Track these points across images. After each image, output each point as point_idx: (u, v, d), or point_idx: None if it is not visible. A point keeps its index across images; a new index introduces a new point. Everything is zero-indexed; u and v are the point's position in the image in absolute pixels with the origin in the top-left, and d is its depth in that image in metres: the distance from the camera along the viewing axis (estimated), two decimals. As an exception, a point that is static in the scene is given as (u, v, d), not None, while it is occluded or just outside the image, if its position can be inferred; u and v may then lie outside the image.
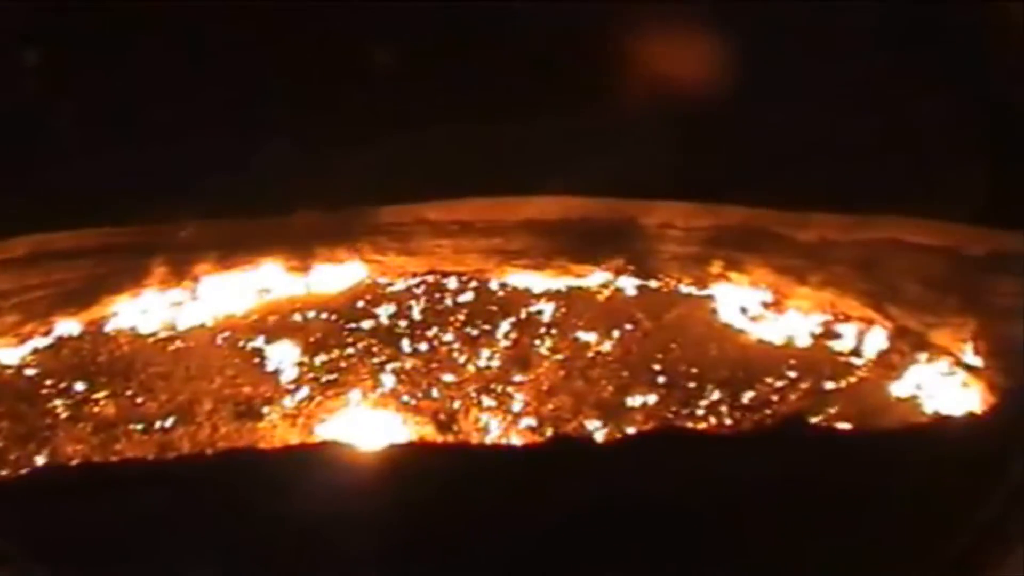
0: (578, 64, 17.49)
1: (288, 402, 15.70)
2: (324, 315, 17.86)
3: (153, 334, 17.31)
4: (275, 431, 15.10)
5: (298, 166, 16.51)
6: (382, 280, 18.77)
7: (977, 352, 15.67)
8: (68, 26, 16.71)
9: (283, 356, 16.66)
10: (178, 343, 17.11)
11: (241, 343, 17.04)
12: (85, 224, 17.17)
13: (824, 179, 16.09)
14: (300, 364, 16.56)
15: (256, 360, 16.66)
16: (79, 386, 15.89)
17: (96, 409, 15.44)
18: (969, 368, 15.73)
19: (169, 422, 15.09)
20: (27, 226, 16.62)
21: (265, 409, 15.49)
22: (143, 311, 17.69)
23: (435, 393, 16.10)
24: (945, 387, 15.77)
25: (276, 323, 17.57)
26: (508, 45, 17.73)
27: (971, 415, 14.56)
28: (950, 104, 15.48)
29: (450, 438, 15.16)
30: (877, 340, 16.81)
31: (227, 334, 17.26)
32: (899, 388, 15.90)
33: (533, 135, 17.19)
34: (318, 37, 17.42)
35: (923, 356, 16.22)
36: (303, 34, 17.31)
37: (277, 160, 16.44)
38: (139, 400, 15.57)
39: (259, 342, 17.04)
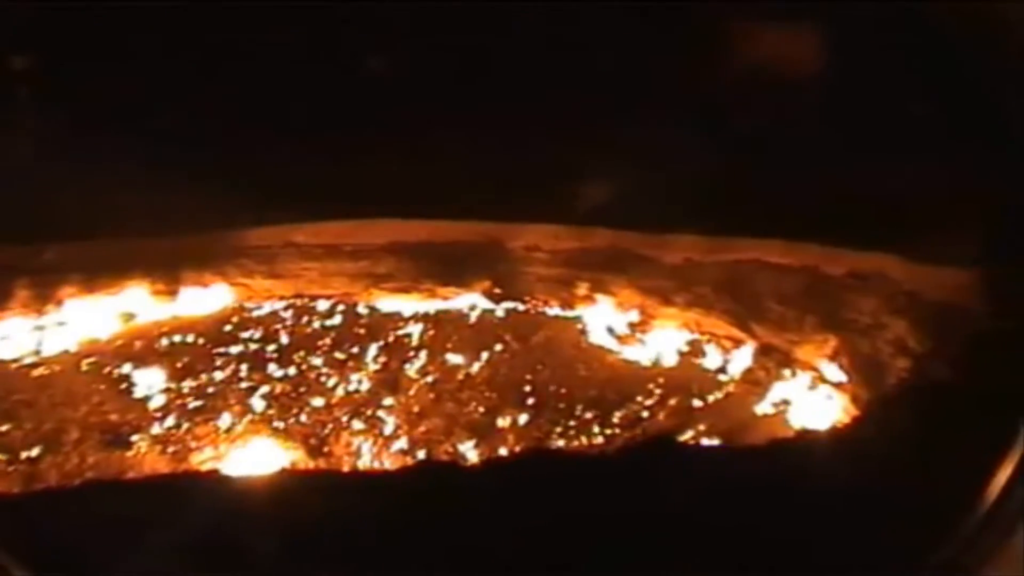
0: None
1: (157, 429, 15.57)
2: (191, 339, 17.69)
3: (16, 360, 17.02)
4: (144, 459, 14.94)
5: (164, 187, 16.17)
6: (249, 304, 18.70)
7: (839, 367, 16.02)
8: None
9: (150, 382, 16.61)
10: (42, 369, 16.82)
11: (107, 369, 16.88)
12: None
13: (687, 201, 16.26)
14: (168, 390, 16.50)
15: (123, 386, 16.55)
16: (-60, 416, 15.44)
17: (-42, 440, 15.01)
18: (832, 383, 16.13)
19: (35, 452, 14.81)
20: None
21: (134, 437, 15.40)
22: (5, 336, 17.34)
23: (305, 418, 16.08)
24: (809, 401, 16.21)
25: (142, 348, 17.43)
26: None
27: (835, 428, 14.91)
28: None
29: (322, 463, 15.15)
30: (743, 358, 17.37)
31: (93, 360, 17.07)
32: (765, 403, 16.40)
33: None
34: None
35: (787, 372, 16.75)
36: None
37: (140, 181, 16.12)
38: (3, 429, 15.30)
39: (126, 368, 16.90)
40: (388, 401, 16.48)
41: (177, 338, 17.72)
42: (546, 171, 16.67)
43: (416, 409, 16.28)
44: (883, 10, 13.77)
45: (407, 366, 17.37)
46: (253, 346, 17.77)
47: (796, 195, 15.43)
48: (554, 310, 18.67)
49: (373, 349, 17.75)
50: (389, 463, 15.33)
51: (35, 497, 12.90)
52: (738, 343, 17.58)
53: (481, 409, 16.25)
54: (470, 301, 18.73)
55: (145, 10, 15.92)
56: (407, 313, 18.63)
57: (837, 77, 14.85)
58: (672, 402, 16.43)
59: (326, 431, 15.86)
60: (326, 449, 15.55)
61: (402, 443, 15.65)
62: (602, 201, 16.72)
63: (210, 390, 16.60)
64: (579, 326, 18.32)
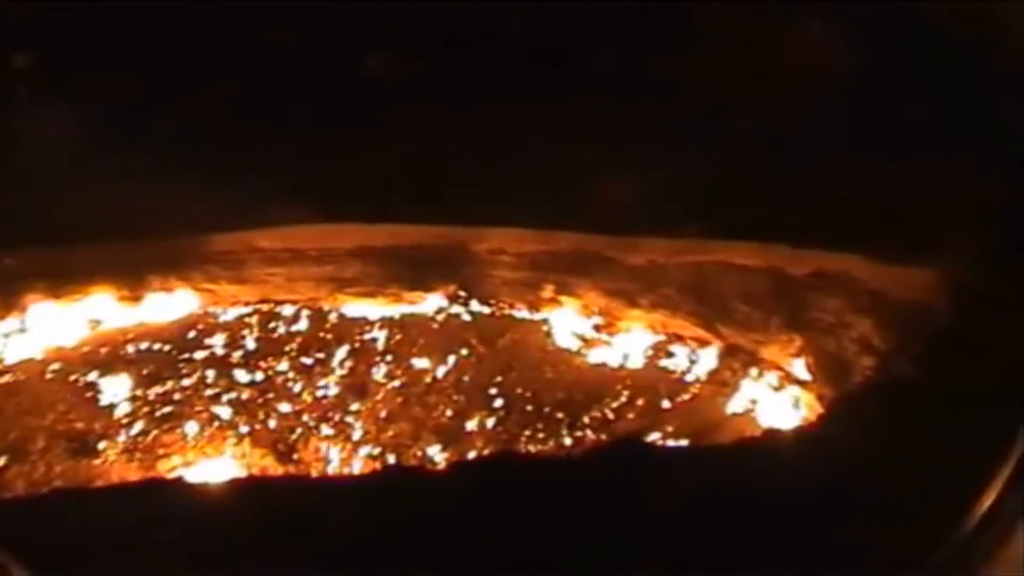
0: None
1: (123, 437, 15.53)
2: (157, 346, 17.59)
3: (-19, 368, 16.75)
4: (112, 468, 14.90)
5: (128, 192, 16.06)
6: (214, 310, 18.59)
7: (805, 366, 16.12)
8: None
9: (117, 389, 16.56)
10: (7, 377, 16.73)
11: (73, 376, 16.79)
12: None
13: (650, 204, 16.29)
14: (134, 397, 16.42)
15: (89, 394, 16.48)
16: (-95, 425, 15.32)
17: (-77, 449, 14.91)
18: (798, 382, 16.24)
19: (1, 461, 14.68)
20: None
21: (101, 445, 15.38)
22: (-31, 344, 17.20)
23: (273, 423, 16.03)
24: (776, 400, 16.32)
25: (108, 355, 17.35)
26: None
27: (801, 426, 15.01)
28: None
29: (290, 468, 15.13)
30: (709, 358, 17.45)
31: (58, 367, 16.97)
32: (733, 403, 16.55)
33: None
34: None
35: (754, 372, 16.82)
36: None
37: (104, 186, 16.01)
38: (-31, 439, 15.04)
39: (92, 375, 16.82)
40: (355, 406, 16.52)
41: (143, 345, 17.62)
42: (511, 174, 16.70)
43: (384, 414, 16.32)
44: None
45: (374, 371, 17.37)
46: (219, 352, 17.70)
47: (769, 197, 15.55)
48: (520, 313, 18.67)
49: (340, 354, 17.73)
50: (358, 468, 15.36)
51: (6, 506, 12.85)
52: (704, 344, 17.65)
53: (449, 413, 16.32)
54: (436, 305, 18.72)
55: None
56: (373, 317, 18.61)
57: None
58: (640, 403, 16.51)
59: (294, 437, 15.89)
60: (295, 455, 15.58)
61: (370, 448, 15.68)
62: (568, 203, 16.79)
63: (177, 397, 16.57)
64: (545, 329, 18.34)
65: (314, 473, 15.21)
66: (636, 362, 17.82)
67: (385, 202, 17.60)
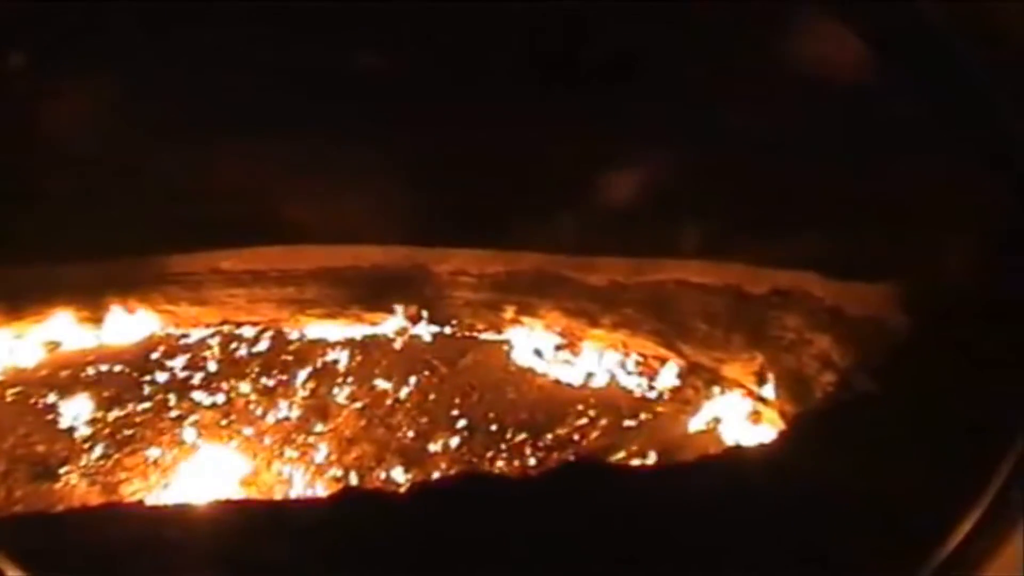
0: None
1: (85, 460, 15.42)
2: (117, 368, 17.49)
3: (-60, 391, 16.66)
4: (74, 492, 14.79)
5: (88, 211, 16.00)
6: (175, 331, 18.56)
7: (767, 384, 16.26)
8: None
9: (77, 412, 16.46)
10: (-33, 401, 16.43)
11: (33, 399, 16.68)
12: None
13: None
14: (95, 420, 16.32)
15: (49, 417, 16.34)
16: None
17: None
18: (760, 399, 16.40)
19: (-38, 486, 14.53)
20: None
21: (62, 469, 15.22)
22: (-73, 367, 17.10)
23: (235, 446, 15.90)
24: (738, 418, 16.42)
25: (68, 377, 17.26)
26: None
27: (764, 442, 15.11)
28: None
29: (253, 492, 15.02)
30: (671, 377, 17.60)
31: (18, 390, 16.90)
32: (695, 421, 16.67)
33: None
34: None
35: (716, 390, 16.97)
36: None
37: (63, 205, 15.95)
38: (-71, 463, 14.94)
39: (51, 398, 16.67)
40: (318, 428, 16.46)
41: (104, 367, 17.53)
42: (472, 195, 16.72)
43: (347, 435, 16.28)
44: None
45: (336, 392, 17.33)
46: (180, 374, 17.63)
47: (733, 208, 15.63)
48: (482, 334, 18.74)
49: (301, 375, 17.70)
50: (321, 490, 15.28)
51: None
52: (666, 363, 17.73)
53: (411, 434, 16.30)
54: (397, 326, 18.74)
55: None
56: (334, 339, 18.64)
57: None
58: (603, 422, 16.52)
59: (256, 459, 15.77)
60: (257, 478, 15.47)
61: (334, 470, 15.63)
62: (529, 225, 16.81)
63: (138, 420, 16.45)
64: (507, 349, 18.41)
65: (276, 496, 15.14)
66: (598, 381, 17.92)
67: (345, 223, 17.54)
